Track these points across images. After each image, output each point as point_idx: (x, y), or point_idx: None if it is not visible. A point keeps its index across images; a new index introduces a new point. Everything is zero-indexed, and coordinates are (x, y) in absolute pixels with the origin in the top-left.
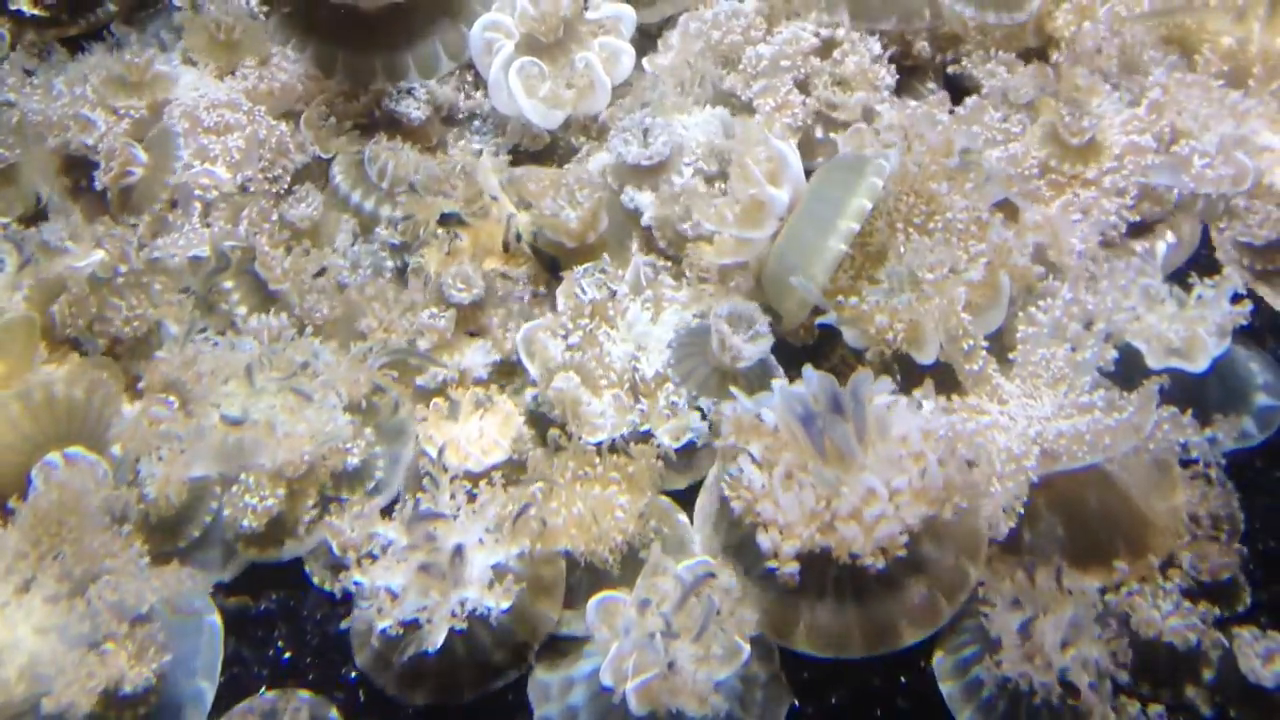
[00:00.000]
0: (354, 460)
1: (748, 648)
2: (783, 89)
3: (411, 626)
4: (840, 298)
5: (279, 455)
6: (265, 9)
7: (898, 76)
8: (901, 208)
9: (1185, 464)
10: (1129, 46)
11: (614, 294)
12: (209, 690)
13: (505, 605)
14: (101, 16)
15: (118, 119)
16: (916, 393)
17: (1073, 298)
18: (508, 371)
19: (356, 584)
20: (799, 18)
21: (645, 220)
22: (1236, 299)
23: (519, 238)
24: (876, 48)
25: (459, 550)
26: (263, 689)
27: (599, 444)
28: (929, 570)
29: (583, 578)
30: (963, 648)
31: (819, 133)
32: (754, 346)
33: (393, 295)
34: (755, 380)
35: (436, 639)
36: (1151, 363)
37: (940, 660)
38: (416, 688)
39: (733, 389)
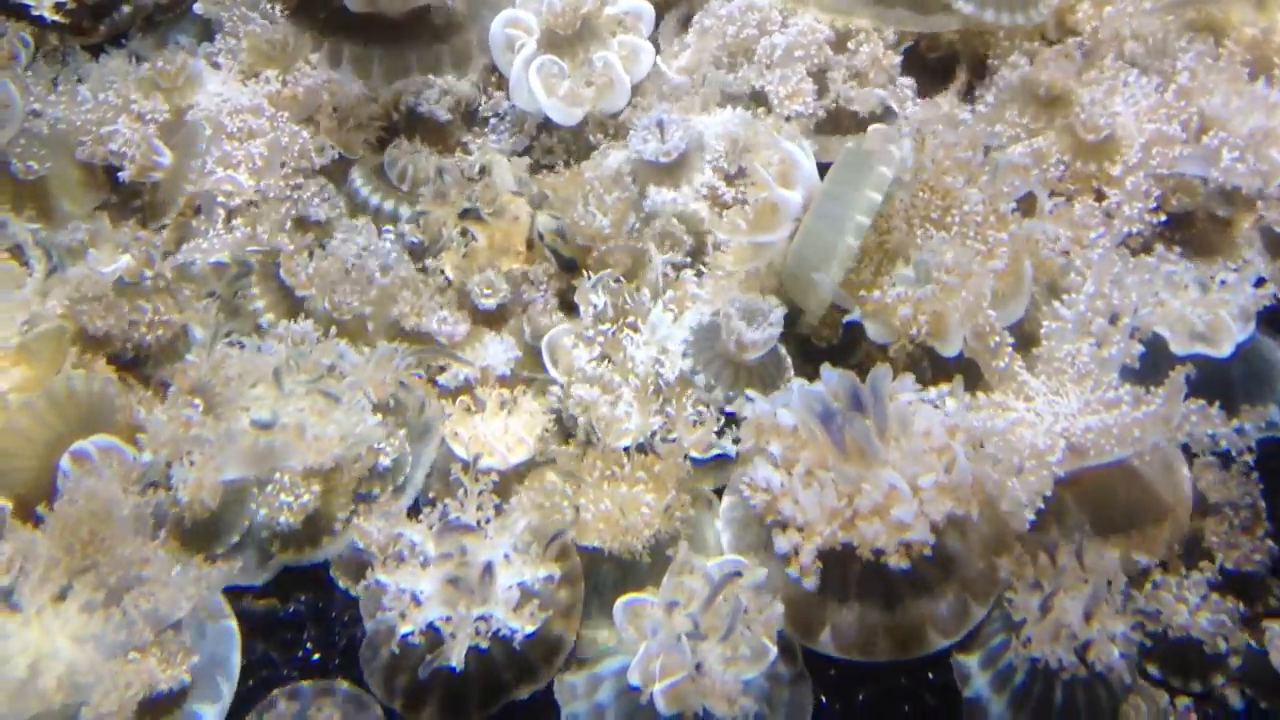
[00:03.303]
0: (385, 461)
1: (774, 648)
2: (795, 77)
3: (430, 636)
4: (863, 293)
5: (309, 458)
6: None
7: (915, 80)
8: (918, 204)
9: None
10: (1151, 33)
11: (630, 299)
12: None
13: (530, 629)
14: (120, 21)
15: (142, 124)
16: (943, 386)
17: (1096, 291)
18: (531, 368)
19: (380, 583)
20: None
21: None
22: (1260, 283)
23: (541, 236)
24: (891, 37)
25: (489, 567)
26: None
27: (625, 448)
28: (957, 571)
29: (610, 573)
30: (991, 637)
31: (836, 137)
32: (759, 333)
33: (423, 283)
34: (771, 377)
35: (459, 654)
36: (1176, 348)
37: (960, 660)
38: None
39: (749, 392)
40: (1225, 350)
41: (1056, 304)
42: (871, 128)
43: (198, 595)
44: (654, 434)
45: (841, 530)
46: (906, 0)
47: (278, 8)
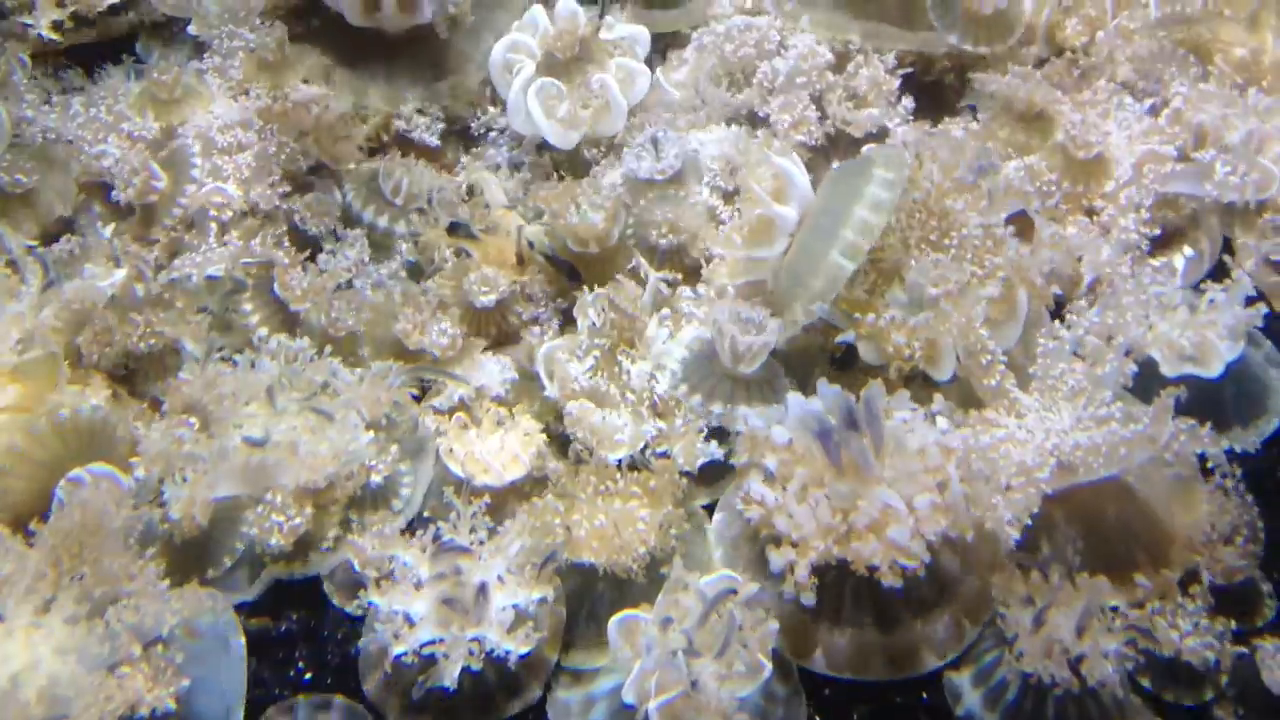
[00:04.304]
0: (378, 479)
1: (770, 665)
2: (799, 105)
3: (425, 659)
4: (857, 315)
5: (302, 476)
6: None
7: (913, 100)
8: (915, 225)
9: (1205, 475)
10: (1143, 55)
11: (626, 316)
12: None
13: (524, 650)
14: (112, 27)
15: (131, 142)
16: (933, 406)
17: (1100, 318)
18: (528, 392)
19: (372, 605)
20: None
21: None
22: (1249, 302)
23: (531, 246)
24: (891, 60)
25: (484, 588)
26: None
27: (619, 461)
28: (950, 589)
29: (605, 591)
30: (983, 654)
31: (834, 159)
32: (756, 339)
33: (421, 296)
34: (765, 392)
35: (452, 675)
36: (1166, 370)
37: (951, 679)
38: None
39: (741, 407)
40: (1215, 370)
41: (1056, 323)
42: (867, 147)
43: (184, 610)
44: (646, 448)
45: (836, 546)
46: (896, 18)
47: (267, 23)
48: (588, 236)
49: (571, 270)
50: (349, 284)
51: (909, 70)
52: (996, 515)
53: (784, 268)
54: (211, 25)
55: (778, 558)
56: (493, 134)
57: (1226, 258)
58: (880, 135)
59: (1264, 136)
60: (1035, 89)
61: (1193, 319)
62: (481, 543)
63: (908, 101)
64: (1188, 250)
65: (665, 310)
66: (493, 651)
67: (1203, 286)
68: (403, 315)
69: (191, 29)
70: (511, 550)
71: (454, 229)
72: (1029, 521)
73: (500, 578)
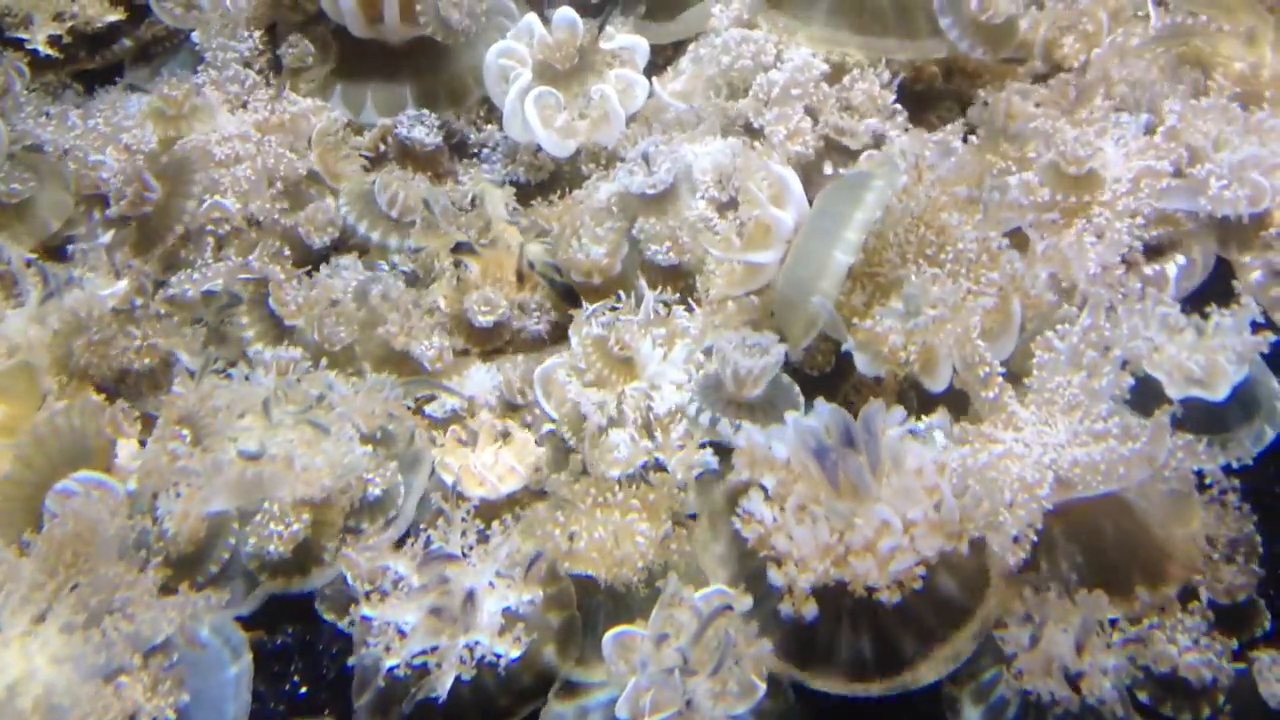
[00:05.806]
0: (376, 491)
1: (763, 685)
2: (795, 117)
3: (419, 670)
4: (855, 320)
5: (298, 489)
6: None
7: (906, 112)
8: (912, 239)
9: (1202, 489)
10: (1139, 74)
11: (623, 333)
12: None
13: (515, 654)
14: (118, 52)
15: (129, 155)
16: (930, 419)
17: (1091, 324)
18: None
19: (365, 618)
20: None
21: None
22: (1256, 328)
23: (532, 265)
24: (886, 75)
25: (471, 595)
26: None
27: (618, 477)
28: (947, 606)
29: (603, 603)
30: (981, 672)
31: (828, 168)
32: (756, 362)
33: (411, 304)
34: (771, 415)
35: (444, 684)
36: (1172, 393)
37: (950, 696)
38: None
39: (743, 423)
40: (1221, 394)
41: (1050, 334)
42: (865, 154)
43: (180, 619)
44: (645, 465)
45: (834, 566)
46: (894, 28)
47: (256, 35)
48: (591, 269)
49: (570, 292)
50: (352, 297)
51: (899, 79)
52: (1002, 534)
53: (781, 274)
54: (211, 28)
55: (778, 577)
56: (484, 150)
57: (1236, 283)
58: (876, 146)
59: (1260, 159)
60: (1013, 103)
61: (1201, 342)
62: (471, 548)
63: (901, 115)
64: (1179, 259)
65: (660, 330)
66: (484, 657)
67: (1208, 310)
68: (390, 318)
69: (195, 38)
70: (501, 554)
71: (456, 246)
72: (1034, 539)
73: (491, 583)
